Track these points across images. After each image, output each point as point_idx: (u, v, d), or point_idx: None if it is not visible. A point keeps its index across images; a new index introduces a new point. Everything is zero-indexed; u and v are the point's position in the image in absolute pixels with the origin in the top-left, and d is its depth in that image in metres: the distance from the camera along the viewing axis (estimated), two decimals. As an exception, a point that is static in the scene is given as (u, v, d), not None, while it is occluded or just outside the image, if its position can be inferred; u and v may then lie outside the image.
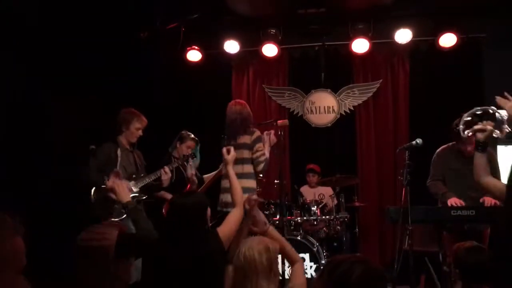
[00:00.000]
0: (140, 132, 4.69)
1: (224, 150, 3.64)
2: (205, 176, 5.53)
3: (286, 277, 3.97)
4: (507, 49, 6.08)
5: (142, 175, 4.69)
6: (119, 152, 4.56)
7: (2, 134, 4.95)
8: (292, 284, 2.66)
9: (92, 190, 4.37)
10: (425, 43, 6.32)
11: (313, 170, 6.24)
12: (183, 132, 5.36)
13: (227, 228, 2.95)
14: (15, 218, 1.85)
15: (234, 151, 3.61)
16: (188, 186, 5.13)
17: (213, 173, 5.44)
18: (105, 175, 4.27)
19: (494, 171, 4.32)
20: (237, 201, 3.18)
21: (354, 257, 1.82)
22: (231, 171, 3.46)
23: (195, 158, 5.20)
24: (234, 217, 3.06)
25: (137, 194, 4.54)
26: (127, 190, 3.18)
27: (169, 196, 5.04)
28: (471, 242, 3.02)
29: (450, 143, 4.62)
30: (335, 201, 5.74)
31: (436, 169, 4.62)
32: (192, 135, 5.30)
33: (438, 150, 4.69)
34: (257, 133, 4.64)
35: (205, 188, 5.28)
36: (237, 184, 3.34)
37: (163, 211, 5.02)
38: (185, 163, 5.06)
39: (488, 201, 4.16)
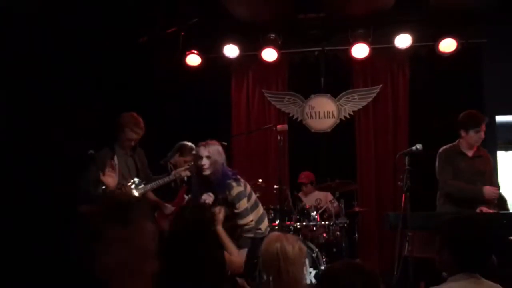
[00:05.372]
0: (132, 143, 4.50)
1: (217, 209, 3.61)
2: None
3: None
4: (507, 55, 6.09)
5: (144, 182, 4.61)
6: (116, 160, 4.42)
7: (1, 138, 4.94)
8: None
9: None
10: (425, 48, 6.31)
11: (303, 183, 6.23)
12: (184, 143, 5.21)
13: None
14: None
15: (224, 211, 3.56)
16: (180, 194, 5.05)
17: None
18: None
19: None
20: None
21: (350, 266, 1.83)
22: (222, 231, 3.47)
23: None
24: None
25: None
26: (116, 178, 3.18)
27: (156, 199, 4.97)
28: None
29: (451, 144, 4.63)
30: (336, 207, 5.69)
31: (448, 168, 4.55)
32: (194, 151, 4.86)
33: (441, 151, 4.66)
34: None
35: None
36: (230, 244, 3.45)
37: (155, 215, 4.98)
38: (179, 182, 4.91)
39: (485, 211, 4.21)
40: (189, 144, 5.18)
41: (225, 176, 4.00)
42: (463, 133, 4.50)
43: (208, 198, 3.94)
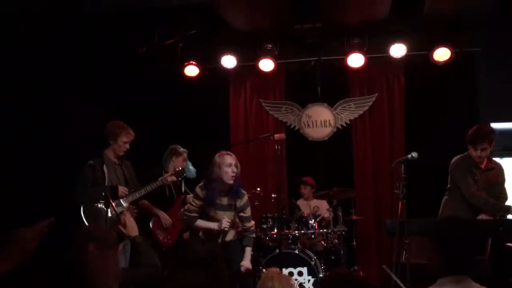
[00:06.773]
0: (127, 146, 4.64)
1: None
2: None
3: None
4: (501, 64, 6.17)
5: (132, 190, 4.67)
6: (105, 168, 4.54)
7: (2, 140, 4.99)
8: None
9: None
10: (419, 57, 6.39)
11: (305, 182, 6.26)
12: (174, 146, 5.34)
13: None
14: None
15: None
16: (176, 204, 5.11)
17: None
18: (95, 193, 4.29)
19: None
20: None
21: (342, 276, 1.89)
22: None
23: (190, 171, 5.18)
24: None
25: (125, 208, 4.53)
26: (135, 225, 3.18)
27: (156, 210, 5.03)
28: None
29: (463, 154, 4.67)
30: (332, 214, 5.72)
31: (470, 180, 4.56)
32: (183, 148, 5.31)
33: (456, 161, 4.67)
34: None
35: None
36: None
37: (150, 224, 5.02)
38: (179, 178, 5.03)
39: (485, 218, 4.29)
40: (179, 147, 5.30)
41: (239, 184, 4.34)
42: (468, 146, 4.58)
43: (227, 224, 4.23)
